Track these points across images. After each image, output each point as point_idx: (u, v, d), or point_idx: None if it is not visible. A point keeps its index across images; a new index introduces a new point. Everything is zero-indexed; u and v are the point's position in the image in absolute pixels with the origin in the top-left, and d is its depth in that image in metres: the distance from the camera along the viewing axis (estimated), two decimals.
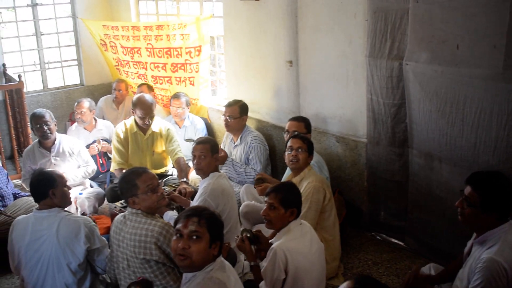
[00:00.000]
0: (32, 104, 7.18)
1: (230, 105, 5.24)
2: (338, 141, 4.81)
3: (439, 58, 3.75)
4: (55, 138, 5.07)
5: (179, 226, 2.59)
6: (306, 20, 4.83)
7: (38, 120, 4.96)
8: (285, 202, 3.24)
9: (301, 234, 3.25)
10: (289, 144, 4.09)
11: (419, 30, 3.87)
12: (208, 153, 4.07)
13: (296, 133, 4.37)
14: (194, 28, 5.93)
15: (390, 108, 4.25)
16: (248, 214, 4.42)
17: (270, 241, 3.34)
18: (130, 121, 5.23)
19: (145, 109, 5.04)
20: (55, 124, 5.08)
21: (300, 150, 4.00)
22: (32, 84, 8.16)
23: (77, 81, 8.11)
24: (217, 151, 4.18)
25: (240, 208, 4.45)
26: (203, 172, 4.12)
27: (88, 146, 5.63)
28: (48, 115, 5.00)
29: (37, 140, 5.14)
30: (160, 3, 7.19)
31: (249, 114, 5.32)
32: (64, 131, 6.50)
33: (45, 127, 4.95)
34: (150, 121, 5.13)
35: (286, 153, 4.08)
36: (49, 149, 5.05)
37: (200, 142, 4.17)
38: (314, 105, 5.00)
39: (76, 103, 5.88)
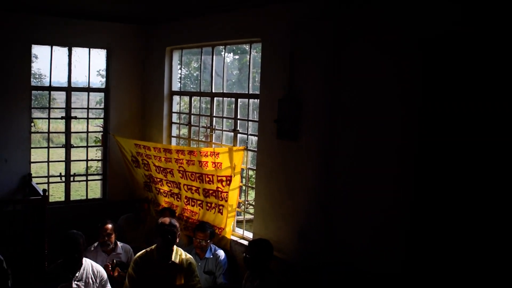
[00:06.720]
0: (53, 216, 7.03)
1: None
2: None
3: None
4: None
5: None
6: (342, 165, 4.78)
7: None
8: None
9: None
10: None
11: None
12: None
13: None
14: (227, 158, 5.93)
15: None
16: None
17: None
18: (152, 248, 5.01)
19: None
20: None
21: None
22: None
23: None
24: None
25: None
26: None
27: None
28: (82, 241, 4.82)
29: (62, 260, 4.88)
30: (194, 129, 7.29)
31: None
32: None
33: (76, 255, 4.76)
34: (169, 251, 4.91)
35: None
36: (72, 272, 4.81)
37: None
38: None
39: (100, 225, 5.73)
